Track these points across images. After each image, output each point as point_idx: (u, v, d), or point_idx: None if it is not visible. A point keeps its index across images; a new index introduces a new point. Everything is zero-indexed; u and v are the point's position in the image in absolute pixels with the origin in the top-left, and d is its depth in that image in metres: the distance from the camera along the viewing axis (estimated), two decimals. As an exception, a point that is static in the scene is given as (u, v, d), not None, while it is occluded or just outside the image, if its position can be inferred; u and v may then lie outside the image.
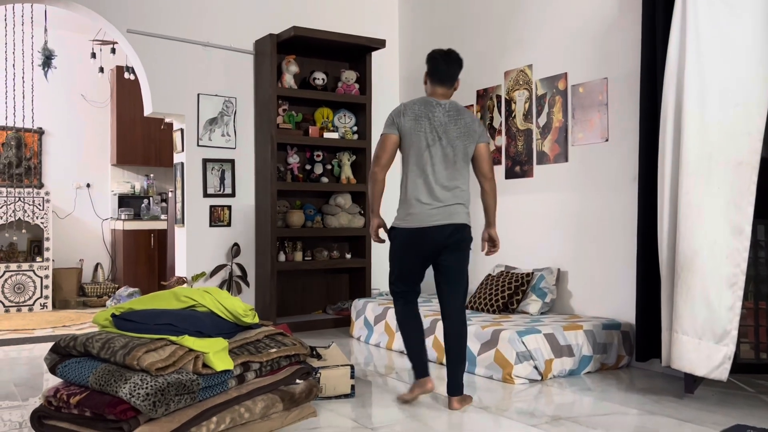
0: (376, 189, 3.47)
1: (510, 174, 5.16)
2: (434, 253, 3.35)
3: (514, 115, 5.14)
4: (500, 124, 5.27)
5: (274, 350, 2.94)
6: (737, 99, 3.20)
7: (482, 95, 5.45)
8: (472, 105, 5.54)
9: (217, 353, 2.65)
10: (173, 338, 2.62)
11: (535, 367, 3.82)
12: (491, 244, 3.61)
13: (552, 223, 4.82)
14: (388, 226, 3.52)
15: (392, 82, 6.44)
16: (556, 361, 3.88)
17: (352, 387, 3.46)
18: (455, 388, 3.29)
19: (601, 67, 4.47)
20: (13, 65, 6.29)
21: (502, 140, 5.25)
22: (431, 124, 3.34)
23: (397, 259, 3.45)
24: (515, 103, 5.13)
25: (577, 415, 3.16)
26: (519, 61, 5.10)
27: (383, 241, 3.61)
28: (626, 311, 4.23)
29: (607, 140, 4.42)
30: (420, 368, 3.39)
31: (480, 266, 5.44)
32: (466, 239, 3.41)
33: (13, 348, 5.00)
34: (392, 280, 3.51)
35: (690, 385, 3.45)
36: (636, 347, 3.94)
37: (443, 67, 3.47)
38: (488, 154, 3.50)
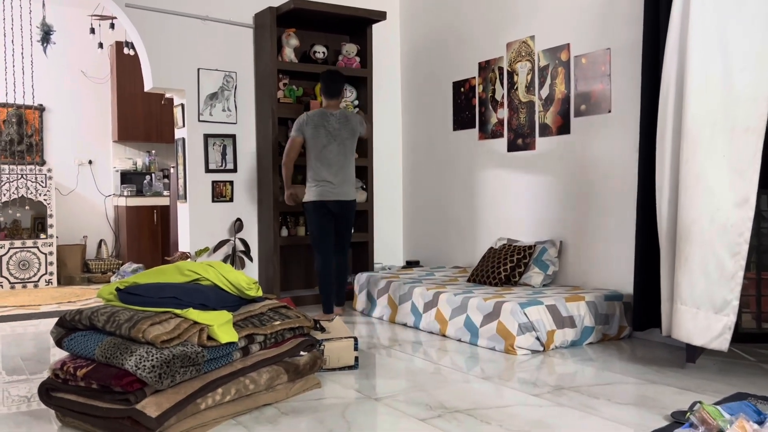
0: (288, 173, 4.94)
1: (512, 147, 5.15)
2: (334, 216, 4.78)
3: (516, 87, 5.11)
4: (502, 97, 5.24)
5: (278, 323, 2.97)
6: (744, 62, 3.12)
7: (484, 67, 5.42)
8: (474, 77, 5.51)
9: (221, 326, 2.67)
10: (178, 311, 2.64)
11: (537, 338, 3.84)
12: None
13: (554, 195, 4.81)
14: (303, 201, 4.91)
15: (393, 55, 6.39)
16: (558, 332, 3.91)
17: (356, 359, 3.49)
18: (340, 301, 4.93)
19: (603, 37, 4.43)
20: (12, 41, 6.25)
21: (504, 113, 5.22)
22: (326, 130, 4.74)
23: (314, 223, 4.82)
24: (517, 74, 5.10)
25: (579, 384, 3.19)
26: (521, 32, 5.06)
27: (294, 204, 5.02)
28: (628, 282, 4.23)
29: (609, 112, 4.40)
30: (328, 305, 4.84)
31: (482, 239, 5.45)
32: (353, 209, 4.88)
33: (20, 323, 5.05)
34: (314, 240, 4.86)
35: (691, 354, 3.47)
36: (634, 317, 3.96)
37: (331, 85, 4.83)
38: (368, 135, 5.21)
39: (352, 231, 5.13)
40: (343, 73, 5.01)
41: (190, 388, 2.51)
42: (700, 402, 2.46)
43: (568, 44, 4.67)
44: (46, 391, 2.67)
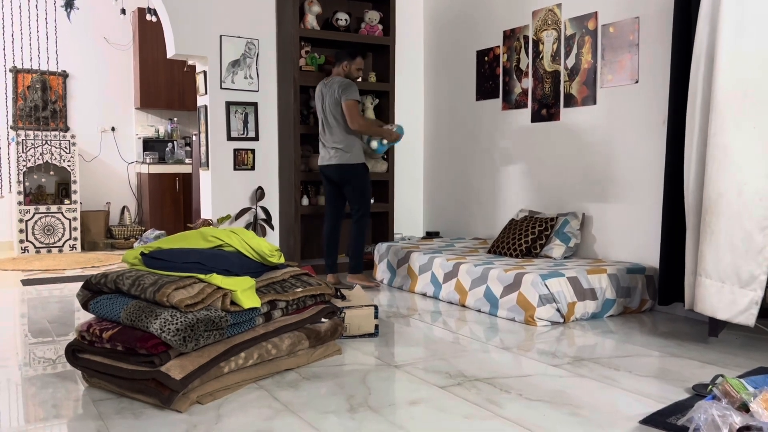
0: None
1: (536, 117, 5.09)
2: (336, 184, 4.88)
3: (542, 57, 5.03)
4: (527, 66, 5.16)
5: (299, 289, 2.99)
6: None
7: (509, 36, 5.33)
8: (498, 46, 5.43)
9: (244, 291, 2.69)
10: (201, 276, 2.66)
11: (558, 310, 3.83)
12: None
13: (578, 167, 4.76)
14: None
15: (417, 23, 6.31)
16: (578, 304, 3.89)
17: (376, 327, 3.51)
18: (352, 269, 4.92)
19: (632, 5, 4.33)
20: (36, 6, 6.26)
21: (528, 82, 5.15)
22: (321, 97, 4.88)
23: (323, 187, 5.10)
24: (543, 43, 5.02)
25: (599, 356, 3.18)
26: (547, 0, 4.96)
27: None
28: (651, 255, 4.21)
29: (637, 82, 4.32)
30: (331, 266, 4.97)
31: (503, 210, 5.43)
32: (347, 173, 4.79)
33: (45, 287, 5.14)
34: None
35: (714, 328, 3.43)
36: (659, 291, 3.93)
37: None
38: (347, 109, 4.71)
39: (371, 200, 4.96)
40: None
41: (213, 352, 2.55)
42: (722, 375, 2.45)
43: (596, 12, 4.57)
44: (72, 353, 2.72)
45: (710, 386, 2.46)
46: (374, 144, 5.03)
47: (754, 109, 3.08)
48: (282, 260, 3.09)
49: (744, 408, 2.10)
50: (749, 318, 3.14)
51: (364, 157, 4.92)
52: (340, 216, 5.03)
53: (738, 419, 1.95)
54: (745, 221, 3.11)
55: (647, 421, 2.32)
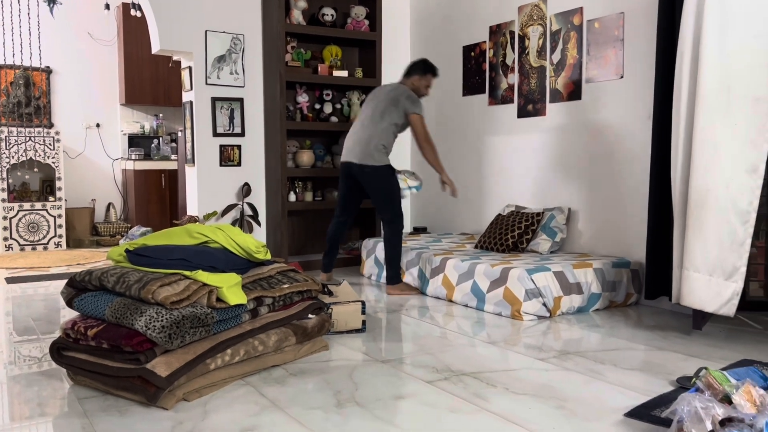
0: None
1: (522, 113, 5.10)
2: (354, 181, 4.62)
3: (528, 52, 5.04)
4: (513, 62, 5.17)
5: (286, 286, 2.98)
6: (758, 29, 3.07)
7: (495, 31, 5.34)
8: (484, 42, 5.44)
9: (230, 288, 2.68)
10: (187, 273, 2.65)
11: (544, 304, 3.85)
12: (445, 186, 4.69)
13: (564, 162, 4.78)
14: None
15: (403, 18, 6.31)
16: (564, 298, 3.92)
17: (363, 322, 3.52)
18: (388, 279, 4.58)
19: (617, 0, 4.35)
20: (18, 1, 6.19)
21: (514, 78, 5.17)
22: (374, 95, 4.67)
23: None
24: (529, 39, 5.03)
25: (585, 350, 3.20)
26: (533, -4, 4.98)
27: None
28: (636, 250, 4.24)
29: (622, 77, 4.34)
30: (326, 266, 4.84)
31: (490, 206, 5.44)
32: (368, 176, 4.52)
33: (30, 285, 5.09)
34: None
35: (698, 321, 3.47)
36: (645, 285, 3.96)
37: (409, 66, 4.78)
38: (418, 122, 4.55)
39: (387, 204, 4.50)
40: (427, 62, 4.72)
41: (199, 349, 2.54)
42: (706, 368, 2.47)
43: (581, 8, 4.59)
44: (57, 351, 2.71)
45: (694, 379, 2.48)
46: (410, 182, 4.62)
47: (737, 105, 3.11)
48: (268, 256, 3.08)
49: (727, 400, 2.12)
50: (731, 309, 3.20)
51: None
52: (348, 216, 4.80)
53: (720, 411, 1.97)
54: (731, 215, 3.15)
55: (632, 413, 2.34)
